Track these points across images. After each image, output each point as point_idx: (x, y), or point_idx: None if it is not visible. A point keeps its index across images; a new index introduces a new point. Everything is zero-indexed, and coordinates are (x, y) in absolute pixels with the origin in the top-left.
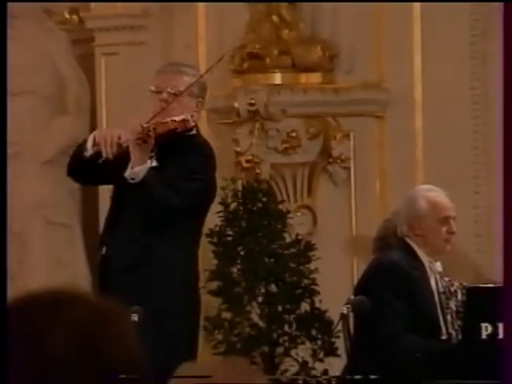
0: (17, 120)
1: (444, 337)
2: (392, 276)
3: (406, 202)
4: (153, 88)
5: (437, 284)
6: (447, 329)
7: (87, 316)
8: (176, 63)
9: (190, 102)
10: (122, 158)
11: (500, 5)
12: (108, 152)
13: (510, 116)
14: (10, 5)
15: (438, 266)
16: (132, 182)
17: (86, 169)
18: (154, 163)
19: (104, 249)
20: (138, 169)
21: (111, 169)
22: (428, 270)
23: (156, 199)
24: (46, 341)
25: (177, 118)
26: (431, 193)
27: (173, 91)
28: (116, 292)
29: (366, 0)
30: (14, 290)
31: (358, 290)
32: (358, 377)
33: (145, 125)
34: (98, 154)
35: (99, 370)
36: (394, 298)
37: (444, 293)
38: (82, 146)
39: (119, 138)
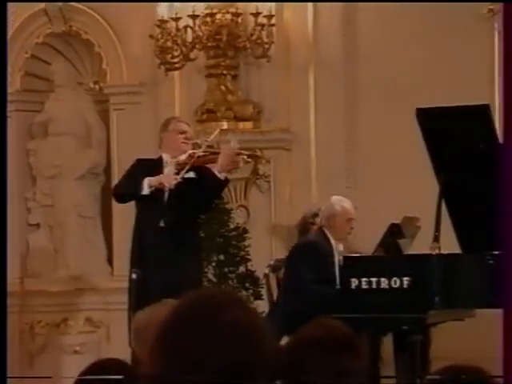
0: (59, 151)
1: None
2: (309, 251)
3: (328, 205)
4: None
5: (338, 259)
6: None
7: (241, 317)
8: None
9: None
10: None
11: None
12: (172, 185)
13: (510, 117)
14: (56, 77)
15: (341, 246)
16: (222, 178)
17: (138, 199)
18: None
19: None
20: (225, 174)
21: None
22: (334, 249)
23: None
24: (204, 342)
25: None
26: (344, 202)
27: (192, 135)
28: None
29: None
30: (58, 260)
31: (287, 259)
32: None
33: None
34: (151, 192)
35: (251, 367)
36: (309, 264)
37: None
38: (136, 188)
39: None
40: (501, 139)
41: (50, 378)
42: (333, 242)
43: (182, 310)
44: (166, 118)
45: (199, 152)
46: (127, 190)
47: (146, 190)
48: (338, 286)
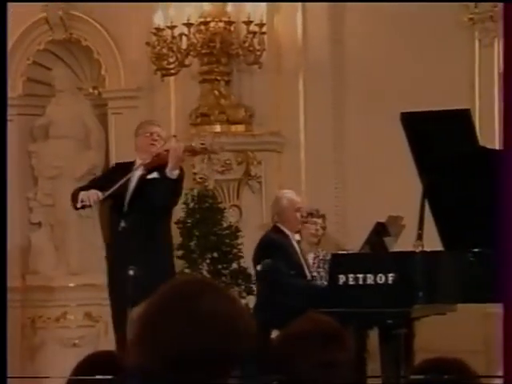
0: (59, 153)
1: (308, 277)
2: (273, 248)
3: (275, 202)
4: (149, 132)
5: (298, 245)
6: (309, 272)
7: (216, 305)
8: (155, 120)
9: None
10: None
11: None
12: (91, 202)
13: (509, 116)
14: (57, 82)
15: (297, 236)
16: (171, 177)
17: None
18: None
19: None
20: (175, 172)
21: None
22: (292, 240)
23: (179, 191)
24: (179, 327)
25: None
26: (289, 194)
27: (162, 135)
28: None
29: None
30: (59, 257)
31: (255, 255)
32: None
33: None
34: (83, 207)
35: (231, 352)
36: (281, 260)
37: (313, 258)
38: (74, 200)
39: (98, 196)
40: (498, 142)
41: (48, 378)
42: (289, 233)
43: (158, 302)
44: (139, 123)
45: (157, 151)
46: (71, 197)
47: (79, 204)
48: (309, 277)
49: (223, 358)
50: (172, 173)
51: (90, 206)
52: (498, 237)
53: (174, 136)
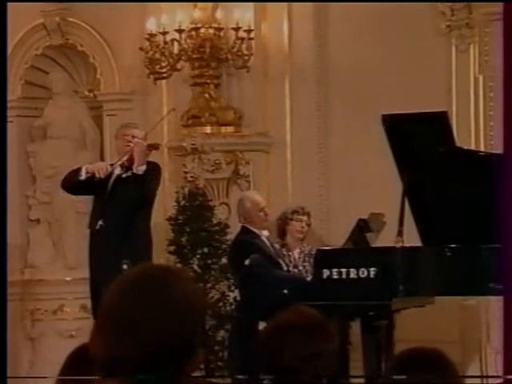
0: (57, 153)
1: (285, 268)
2: (244, 247)
3: (239, 205)
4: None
5: (268, 240)
6: (284, 262)
7: (188, 291)
8: (133, 123)
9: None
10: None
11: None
12: (101, 174)
13: (509, 116)
14: (54, 85)
15: (266, 232)
16: (138, 173)
17: (78, 187)
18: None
19: (100, 223)
20: (141, 167)
21: (92, 186)
22: (261, 237)
23: (149, 187)
24: (153, 311)
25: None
26: (251, 195)
27: (138, 136)
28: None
29: None
30: (56, 252)
31: (230, 258)
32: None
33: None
34: (88, 178)
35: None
36: (258, 256)
37: (282, 246)
38: (75, 175)
39: (107, 169)
40: (473, 143)
41: (46, 378)
42: (257, 231)
43: (123, 287)
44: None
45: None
46: (67, 176)
47: (83, 176)
48: (285, 268)
49: (195, 341)
50: (138, 169)
51: (97, 178)
52: (499, 234)
53: (173, 109)
